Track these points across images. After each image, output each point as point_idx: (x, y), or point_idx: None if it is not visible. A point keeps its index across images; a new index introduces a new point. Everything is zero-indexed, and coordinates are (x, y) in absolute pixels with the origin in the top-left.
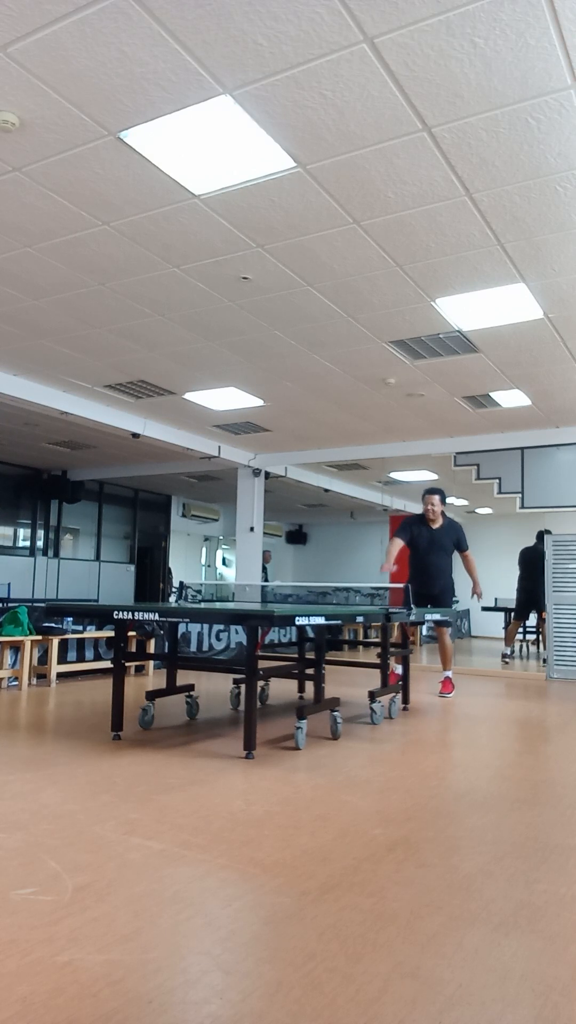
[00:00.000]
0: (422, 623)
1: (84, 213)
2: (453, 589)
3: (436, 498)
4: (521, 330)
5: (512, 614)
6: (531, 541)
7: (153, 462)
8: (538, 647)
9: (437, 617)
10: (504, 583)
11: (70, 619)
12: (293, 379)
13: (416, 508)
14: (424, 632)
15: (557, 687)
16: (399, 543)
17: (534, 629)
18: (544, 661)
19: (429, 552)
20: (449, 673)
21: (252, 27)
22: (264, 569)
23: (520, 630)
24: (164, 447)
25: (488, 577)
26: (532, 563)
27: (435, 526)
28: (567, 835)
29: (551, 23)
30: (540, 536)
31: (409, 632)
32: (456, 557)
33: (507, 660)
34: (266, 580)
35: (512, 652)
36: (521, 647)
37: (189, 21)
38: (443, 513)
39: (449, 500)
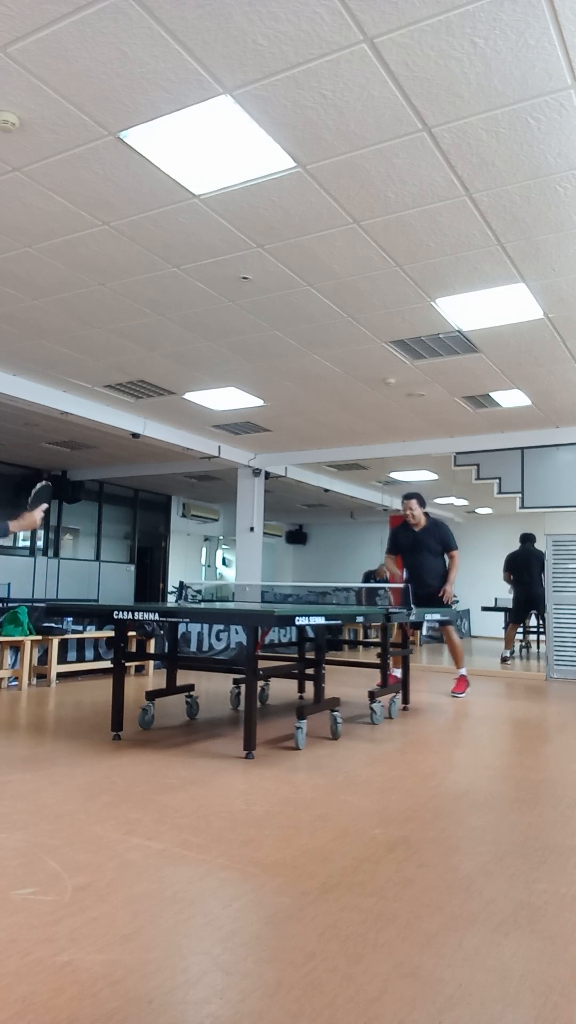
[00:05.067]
0: (422, 623)
1: (84, 213)
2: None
3: (413, 502)
4: (521, 330)
5: (509, 616)
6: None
7: (153, 462)
8: (543, 647)
9: (437, 617)
10: (503, 583)
11: (70, 619)
12: (293, 379)
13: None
14: (425, 632)
15: (557, 687)
16: (391, 557)
17: (535, 629)
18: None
19: (414, 554)
20: (463, 671)
21: (252, 27)
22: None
23: (520, 631)
24: (164, 447)
25: (488, 577)
26: (526, 566)
27: (417, 529)
28: (567, 835)
29: (551, 23)
30: (526, 539)
31: (409, 633)
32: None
33: (507, 662)
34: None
35: (512, 654)
36: (521, 648)
37: (189, 21)
38: (426, 515)
39: (449, 500)
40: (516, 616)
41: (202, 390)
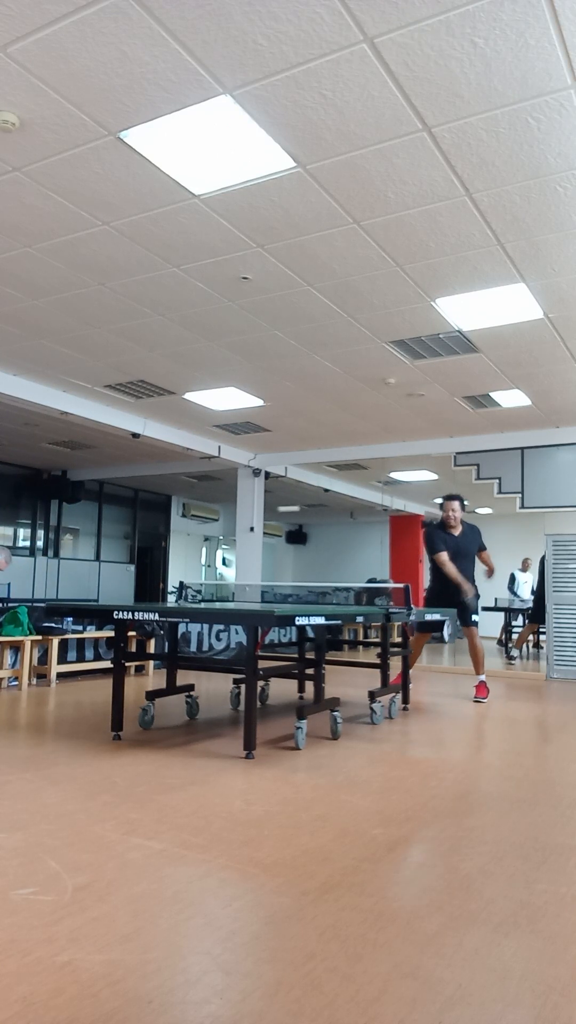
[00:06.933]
0: (423, 623)
1: (84, 213)
2: (478, 593)
3: (455, 504)
4: (521, 330)
5: (528, 617)
6: (531, 542)
7: (153, 462)
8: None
9: (437, 616)
10: (504, 584)
11: (70, 619)
12: (293, 379)
13: (416, 508)
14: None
15: (557, 687)
16: (446, 554)
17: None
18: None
19: (454, 560)
20: (482, 677)
21: (252, 27)
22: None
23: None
24: (164, 447)
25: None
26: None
27: (456, 533)
28: (567, 835)
29: (551, 23)
30: None
31: (411, 634)
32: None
33: (514, 661)
34: (515, 593)
35: (520, 654)
36: (521, 649)
37: (189, 21)
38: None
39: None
40: (535, 617)
41: (202, 390)
